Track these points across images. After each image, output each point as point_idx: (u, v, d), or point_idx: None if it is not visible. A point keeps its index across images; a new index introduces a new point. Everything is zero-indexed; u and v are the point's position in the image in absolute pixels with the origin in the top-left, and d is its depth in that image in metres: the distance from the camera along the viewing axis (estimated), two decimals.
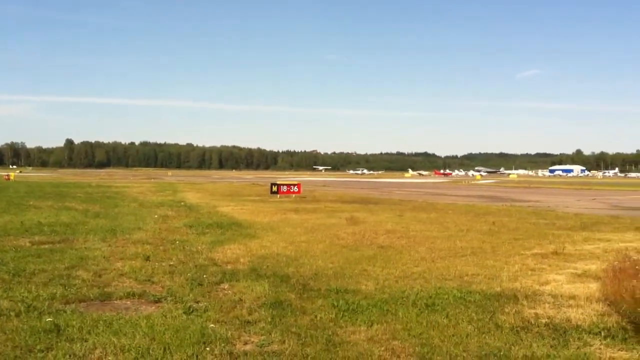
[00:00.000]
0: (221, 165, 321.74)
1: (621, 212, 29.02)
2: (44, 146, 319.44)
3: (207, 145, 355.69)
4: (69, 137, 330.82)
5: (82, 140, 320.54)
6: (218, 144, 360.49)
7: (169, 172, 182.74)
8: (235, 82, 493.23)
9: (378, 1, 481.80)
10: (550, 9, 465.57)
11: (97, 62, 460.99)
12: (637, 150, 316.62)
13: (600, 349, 6.77)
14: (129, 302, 8.90)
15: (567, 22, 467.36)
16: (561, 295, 9.29)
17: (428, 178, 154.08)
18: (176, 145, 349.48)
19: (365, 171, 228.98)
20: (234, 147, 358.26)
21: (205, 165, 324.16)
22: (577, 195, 49.62)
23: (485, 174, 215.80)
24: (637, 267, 9.78)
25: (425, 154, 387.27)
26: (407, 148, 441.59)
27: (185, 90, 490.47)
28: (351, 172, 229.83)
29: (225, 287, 9.98)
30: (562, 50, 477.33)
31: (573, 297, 9.13)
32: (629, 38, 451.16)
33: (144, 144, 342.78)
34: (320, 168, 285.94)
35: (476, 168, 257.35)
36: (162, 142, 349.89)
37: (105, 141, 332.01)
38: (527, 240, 16.40)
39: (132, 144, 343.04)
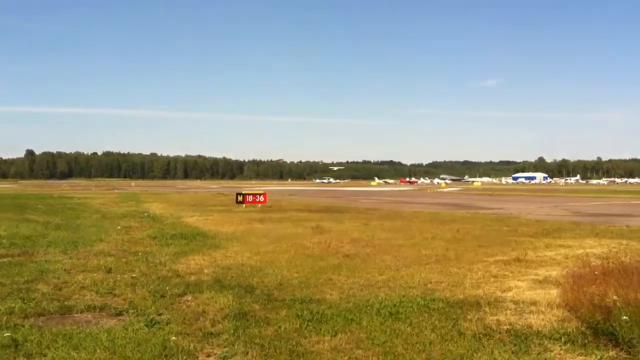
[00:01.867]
0: (186, 175, 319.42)
1: (582, 218, 29.58)
2: (4, 157, 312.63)
3: (172, 154, 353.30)
4: (30, 148, 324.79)
5: (43, 151, 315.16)
6: (183, 154, 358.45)
7: (133, 183, 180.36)
8: (200, 90, 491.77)
9: (336, 9, 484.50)
10: (511, 19, 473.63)
11: (58, 71, 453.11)
12: (598, 158, 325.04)
13: (560, 354, 6.87)
14: (89, 316, 8.76)
15: (528, 33, 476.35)
16: (523, 302, 9.42)
17: (394, 186, 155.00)
18: (140, 155, 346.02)
19: (331, 180, 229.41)
20: (199, 156, 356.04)
21: (169, 175, 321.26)
22: (539, 202, 50.43)
23: (450, 181, 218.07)
24: (596, 273, 10.03)
25: (391, 163, 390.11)
26: (373, 156, 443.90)
27: (149, 99, 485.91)
28: (317, 180, 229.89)
29: (189, 298, 9.88)
30: (523, 60, 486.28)
31: (534, 303, 9.27)
32: (589, 48, 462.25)
33: (107, 154, 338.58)
34: (332, 170, 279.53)
35: (441, 176, 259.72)
36: (126, 152, 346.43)
37: (67, 151, 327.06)
38: (490, 247, 16.60)
39: (95, 154, 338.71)
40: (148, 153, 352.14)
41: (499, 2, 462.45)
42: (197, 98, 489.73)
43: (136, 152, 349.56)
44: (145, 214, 31.84)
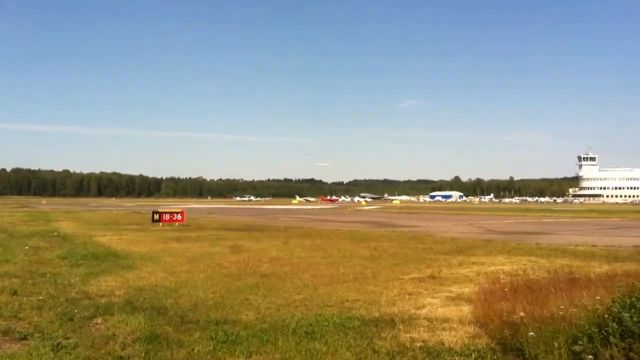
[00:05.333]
0: (100, 193, 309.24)
1: (494, 236, 30.62)
2: None
3: (85, 171, 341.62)
4: None
5: None
6: (97, 170, 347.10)
7: (43, 200, 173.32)
8: (116, 105, 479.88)
9: (261, 27, 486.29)
10: (431, 40, 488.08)
11: None
12: (511, 177, 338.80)
13: None
14: None
15: (447, 53, 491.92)
16: (436, 319, 9.58)
17: (315, 204, 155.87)
18: (51, 171, 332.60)
19: (252, 198, 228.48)
20: (113, 173, 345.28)
21: (83, 192, 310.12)
22: (455, 220, 51.85)
23: (370, 199, 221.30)
24: (505, 290, 10.38)
25: (312, 181, 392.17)
26: (294, 174, 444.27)
27: (61, 114, 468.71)
28: (238, 198, 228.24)
29: (98, 321, 9.52)
30: (439, 82, 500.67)
31: (447, 320, 9.45)
32: (502, 72, 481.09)
33: (16, 171, 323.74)
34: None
35: (361, 194, 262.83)
36: (36, 168, 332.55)
37: None
38: (406, 265, 16.89)
39: (3, 170, 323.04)
40: (60, 169, 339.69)
41: (420, 21, 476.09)
42: (112, 114, 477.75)
43: (47, 168, 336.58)
44: (55, 233, 30.63)
